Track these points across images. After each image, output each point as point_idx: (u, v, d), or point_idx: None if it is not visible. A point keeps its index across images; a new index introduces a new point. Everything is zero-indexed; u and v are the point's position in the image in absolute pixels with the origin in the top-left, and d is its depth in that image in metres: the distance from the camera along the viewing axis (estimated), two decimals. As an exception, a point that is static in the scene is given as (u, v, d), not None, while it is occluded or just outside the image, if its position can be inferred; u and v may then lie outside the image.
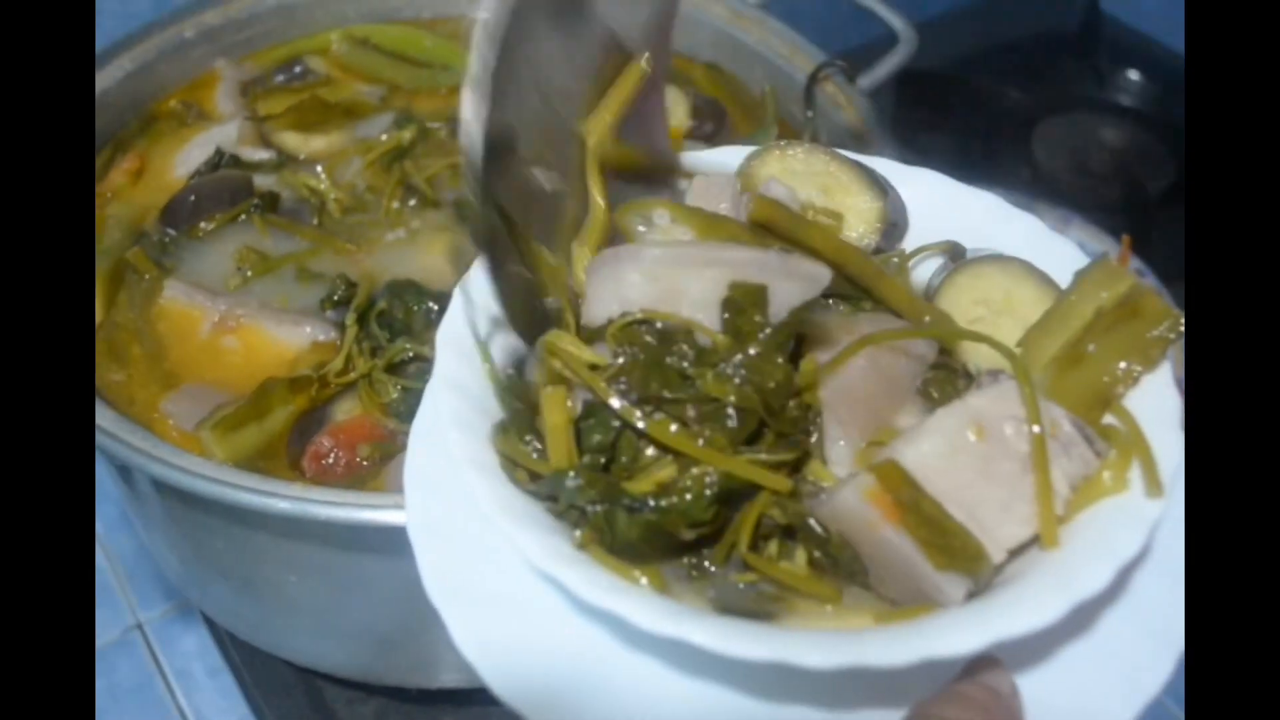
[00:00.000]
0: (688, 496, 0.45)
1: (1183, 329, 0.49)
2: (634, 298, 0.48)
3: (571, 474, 0.46)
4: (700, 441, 0.46)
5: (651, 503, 0.45)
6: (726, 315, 0.48)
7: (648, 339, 0.48)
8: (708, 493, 0.45)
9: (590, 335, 0.49)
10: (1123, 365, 0.49)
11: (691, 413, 0.46)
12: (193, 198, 1.00)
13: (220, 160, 1.05)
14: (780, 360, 0.47)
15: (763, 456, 0.47)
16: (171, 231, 0.98)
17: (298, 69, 1.19)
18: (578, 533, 0.46)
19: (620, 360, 0.47)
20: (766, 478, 0.46)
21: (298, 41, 1.22)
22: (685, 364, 0.47)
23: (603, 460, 0.47)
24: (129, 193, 1.05)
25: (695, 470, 0.46)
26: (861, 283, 0.54)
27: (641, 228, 0.52)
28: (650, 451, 0.47)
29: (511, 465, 0.47)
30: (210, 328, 0.91)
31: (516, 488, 0.47)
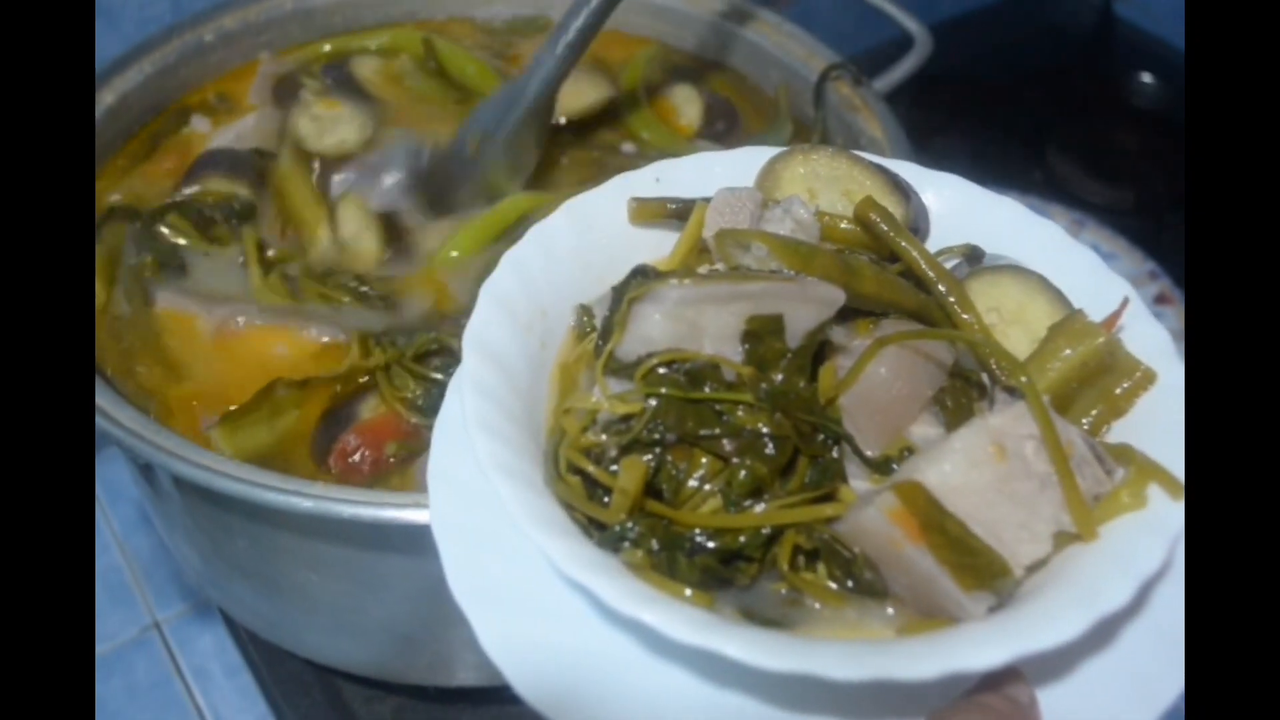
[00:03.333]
0: (741, 539, 0.47)
1: (1154, 382, 0.50)
2: (657, 337, 0.49)
3: (631, 524, 0.47)
4: (743, 474, 0.47)
5: (709, 544, 0.47)
6: (747, 346, 0.50)
7: (676, 378, 0.49)
8: (764, 532, 0.47)
9: (620, 370, 0.50)
10: (1095, 412, 0.51)
11: (729, 446, 0.48)
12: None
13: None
14: (803, 383, 0.49)
15: (801, 496, 0.48)
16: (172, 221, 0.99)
17: (342, 73, 1.17)
18: (632, 553, 0.47)
19: (653, 403, 0.48)
20: (818, 514, 0.48)
21: (346, 37, 1.22)
22: (716, 400, 0.48)
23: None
24: (137, 185, 1.06)
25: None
26: (941, 301, 0.55)
27: (739, 255, 0.53)
28: (692, 483, 0.48)
29: (569, 508, 0.48)
30: (210, 335, 0.92)
31: (544, 494, 0.48)
